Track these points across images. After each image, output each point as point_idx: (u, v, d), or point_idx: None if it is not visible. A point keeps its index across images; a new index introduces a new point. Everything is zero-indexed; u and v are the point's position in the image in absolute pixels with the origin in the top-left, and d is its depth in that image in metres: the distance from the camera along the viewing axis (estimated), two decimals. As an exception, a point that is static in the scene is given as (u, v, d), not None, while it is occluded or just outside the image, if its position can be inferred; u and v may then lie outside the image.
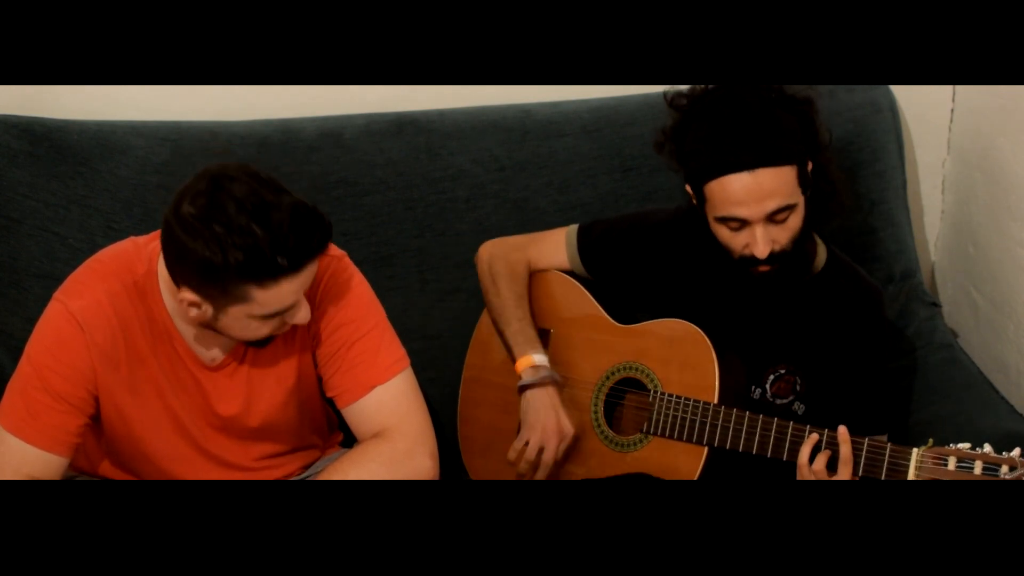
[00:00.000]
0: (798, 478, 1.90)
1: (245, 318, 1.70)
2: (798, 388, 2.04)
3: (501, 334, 2.18)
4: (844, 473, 1.86)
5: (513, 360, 2.12)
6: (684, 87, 2.03)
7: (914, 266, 2.46)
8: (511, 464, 2.10)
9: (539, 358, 2.11)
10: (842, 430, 1.87)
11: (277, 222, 1.61)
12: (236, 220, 1.60)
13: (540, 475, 2.08)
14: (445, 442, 2.01)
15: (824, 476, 1.87)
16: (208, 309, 1.70)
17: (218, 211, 1.61)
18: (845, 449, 1.86)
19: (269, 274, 1.63)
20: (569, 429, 2.07)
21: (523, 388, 2.09)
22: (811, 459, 1.88)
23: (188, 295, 1.68)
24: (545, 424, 2.06)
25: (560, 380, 2.11)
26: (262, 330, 1.74)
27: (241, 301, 1.67)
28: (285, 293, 1.67)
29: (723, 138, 1.90)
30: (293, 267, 1.65)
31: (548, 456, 2.06)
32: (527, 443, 2.07)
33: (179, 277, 1.68)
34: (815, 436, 1.89)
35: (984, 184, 2.46)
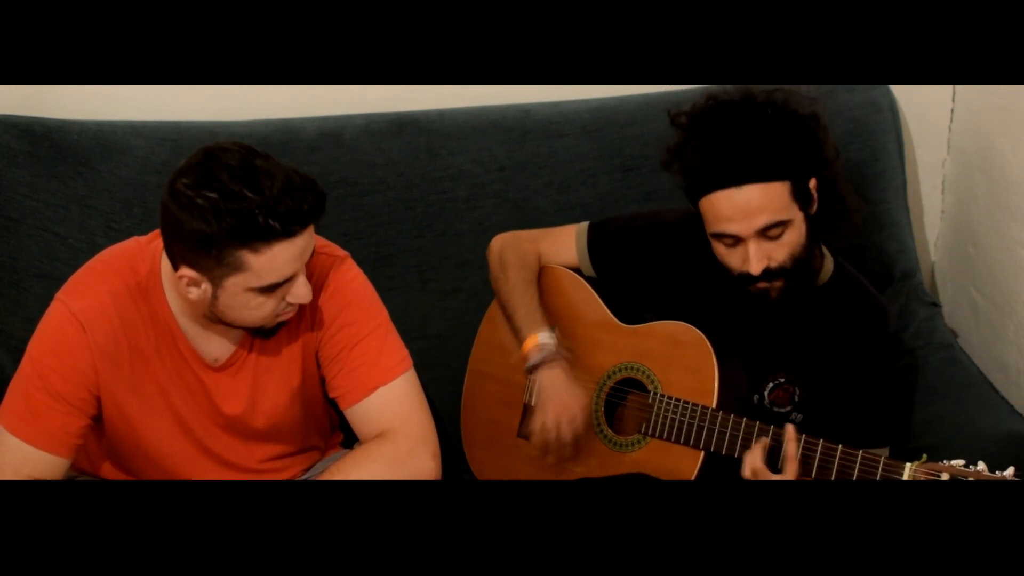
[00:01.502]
0: (744, 475, 1.91)
1: (244, 292, 1.69)
2: (796, 398, 2.04)
3: (510, 320, 2.17)
4: (789, 471, 1.87)
5: (521, 343, 2.12)
6: (686, 104, 2.03)
7: (914, 266, 2.46)
8: (532, 448, 2.08)
9: (544, 337, 2.09)
10: (789, 428, 1.88)
11: (269, 186, 1.62)
12: (229, 186, 1.61)
13: (564, 453, 2.05)
14: (446, 442, 2.01)
15: (768, 477, 1.88)
16: (207, 287, 1.70)
17: (211, 179, 1.62)
18: (791, 447, 1.87)
19: (261, 237, 1.64)
20: (582, 400, 2.05)
21: (532, 368, 2.08)
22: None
23: (186, 272, 1.68)
24: (558, 402, 2.04)
25: (568, 356, 2.10)
26: (263, 308, 1.73)
27: (237, 270, 1.66)
28: (281, 261, 1.67)
29: (713, 155, 1.91)
30: (286, 232, 1.65)
31: (565, 432, 2.03)
32: (544, 425, 2.04)
33: (177, 256, 1.69)
34: (764, 440, 1.90)
35: (984, 184, 2.46)
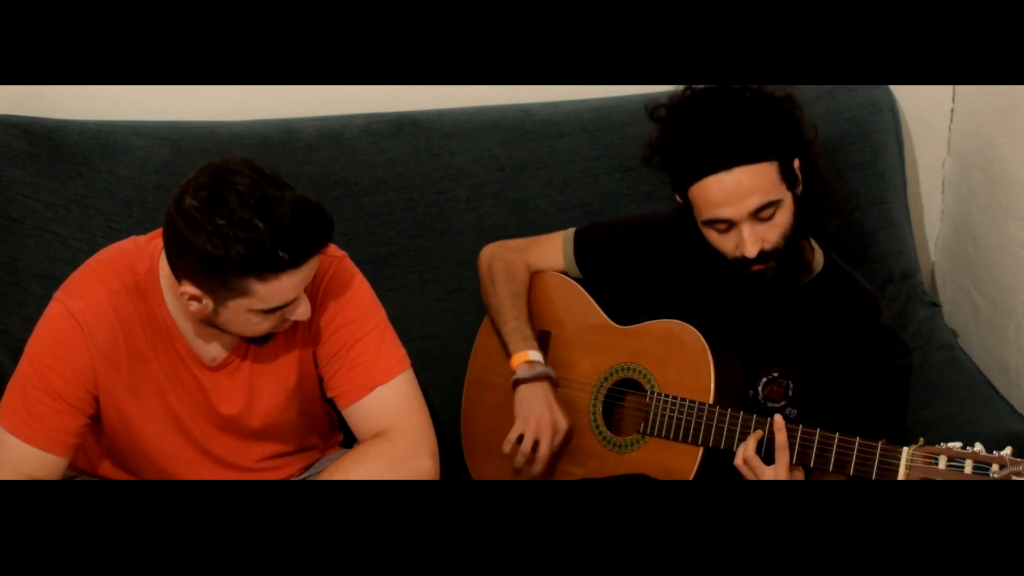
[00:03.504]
0: (736, 463, 1.92)
1: (245, 312, 1.70)
2: (790, 392, 2.04)
3: (498, 333, 2.18)
4: (781, 461, 1.87)
5: (508, 357, 2.13)
6: (663, 99, 2.05)
7: (914, 266, 2.46)
8: (505, 457, 2.09)
9: (534, 355, 2.11)
10: (777, 418, 1.89)
11: (280, 216, 1.61)
12: (238, 213, 1.60)
13: (536, 469, 2.07)
14: (445, 442, 2.01)
15: (759, 466, 1.89)
16: (209, 303, 1.70)
17: (220, 204, 1.61)
18: (780, 437, 1.87)
19: (270, 268, 1.64)
20: (563, 423, 2.07)
21: (517, 383, 2.09)
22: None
23: (189, 289, 1.68)
24: (539, 417, 2.05)
25: (555, 377, 2.12)
26: (262, 325, 1.74)
27: (242, 295, 1.67)
28: (286, 288, 1.68)
29: (698, 142, 1.92)
30: (294, 262, 1.65)
31: (544, 450, 2.05)
32: (521, 437, 2.06)
33: (180, 271, 1.69)
34: (759, 432, 1.91)
35: (984, 184, 2.46)
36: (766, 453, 1.91)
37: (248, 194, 1.61)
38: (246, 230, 1.60)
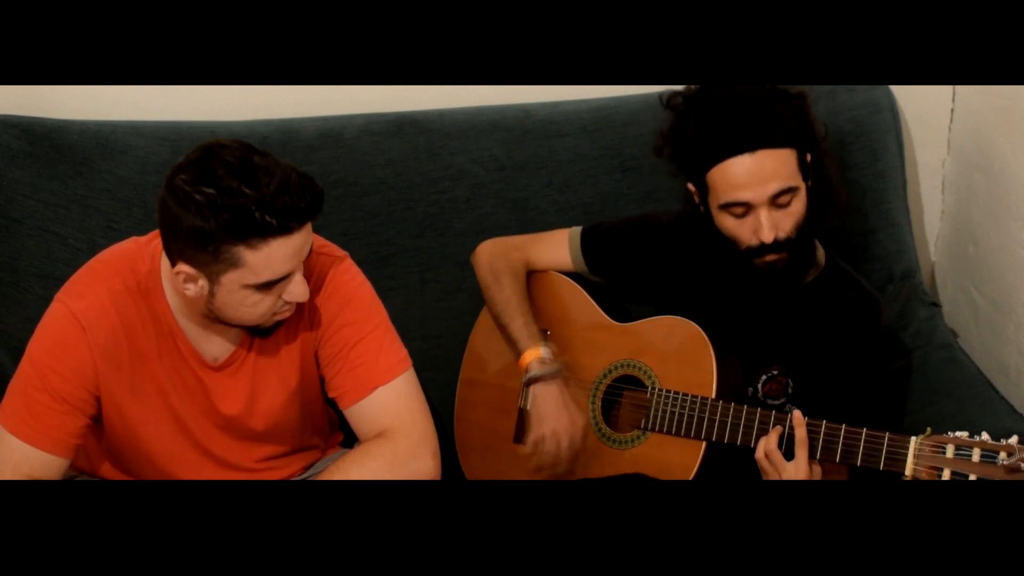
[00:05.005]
0: (757, 456, 1.92)
1: (240, 289, 1.70)
2: (790, 390, 2.05)
3: (504, 330, 2.18)
4: (800, 456, 1.87)
5: (519, 354, 2.13)
6: (679, 87, 2.06)
7: (914, 266, 2.46)
8: (528, 458, 2.08)
9: (545, 352, 2.11)
10: (797, 413, 1.90)
11: (266, 183, 1.62)
12: (226, 182, 1.61)
13: (561, 470, 2.06)
14: (446, 442, 2.01)
15: (779, 460, 1.89)
16: (204, 284, 1.70)
17: (208, 175, 1.62)
18: (801, 432, 1.88)
19: (258, 233, 1.64)
20: (580, 419, 2.06)
21: (530, 381, 2.09)
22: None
23: (184, 268, 1.68)
24: (557, 417, 2.05)
25: (566, 374, 2.12)
26: (260, 306, 1.73)
27: (233, 266, 1.67)
28: (277, 258, 1.67)
29: (722, 126, 1.94)
30: (283, 228, 1.65)
31: (566, 450, 2.05)
32: (543, 437, 2.06)
33: (174, 252, 1.69)
34: (779, 428, 1.91)
35: (984, 184, 2.46)
36: (786, 448, 1.91)
37: (236, 164, 1.63)
38: (233, 197, 1.61)
